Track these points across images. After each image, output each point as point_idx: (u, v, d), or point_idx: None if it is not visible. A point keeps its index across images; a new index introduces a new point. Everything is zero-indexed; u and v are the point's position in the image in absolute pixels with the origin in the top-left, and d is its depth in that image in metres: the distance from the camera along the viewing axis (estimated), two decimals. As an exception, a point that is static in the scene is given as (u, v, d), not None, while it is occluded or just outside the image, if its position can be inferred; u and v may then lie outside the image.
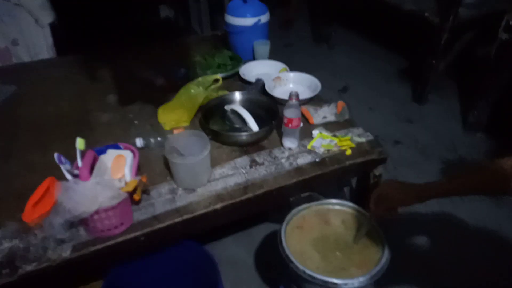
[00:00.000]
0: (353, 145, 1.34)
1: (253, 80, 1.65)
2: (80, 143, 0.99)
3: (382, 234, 1.09)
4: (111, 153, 1.10)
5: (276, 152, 1.33)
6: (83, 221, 0.98)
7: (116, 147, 1.14)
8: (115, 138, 1.29)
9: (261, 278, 1.63)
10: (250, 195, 1.17)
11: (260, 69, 1.73)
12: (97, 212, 0.94)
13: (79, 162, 0.99)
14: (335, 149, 1.33)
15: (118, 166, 1.06)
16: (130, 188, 0.97)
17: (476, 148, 2.32)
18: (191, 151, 1.10)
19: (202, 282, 1.18)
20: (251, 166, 1.27)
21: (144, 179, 1.01)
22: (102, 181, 0.97)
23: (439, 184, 0.96)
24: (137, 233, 1.04)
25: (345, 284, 0.94)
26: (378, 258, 1.02)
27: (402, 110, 2.68)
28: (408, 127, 2.51)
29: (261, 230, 1.83)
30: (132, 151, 1.12)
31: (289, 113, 1.24)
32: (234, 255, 1.73)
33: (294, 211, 1.20)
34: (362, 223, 1.12)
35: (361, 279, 0.95)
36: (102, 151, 1.12)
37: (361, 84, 2.95)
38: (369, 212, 1.09)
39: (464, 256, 1.69)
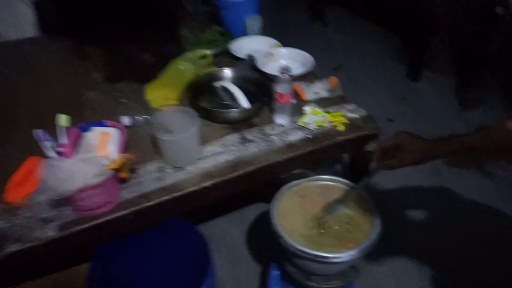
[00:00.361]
0: (346, 121, 1.32)
1: (244, 56, 1.60)
2: (62, 120, 0.95)
3: (375, 207, 1.08)
4: (96, 131, 1.07)
5: (267, 129, 1.31)
6: (68, 200, 0.96)
7: (102, 124, 1.11)
8: (102, 116, 1.24)
9: (253, 256, 1.64)
10: (240, 172, 1.14)
11: (252, 45, 1.68)
12: (82, 190, 0.92)
13: (62, 139, 0.96)
14: (327, 125, 1.30)
15: (104, 144, 1.03)
16: (116, 165, 0.94)
17: (470, 125, 2.31)
18: (179, 127, 1.07)
19: (194, 260, 1.17)
20: (241, 144, 1.24)
21: (131, 156, 0.99)
22: (87, 158, 0.95)
23: (456, 138, 0.85)
24: (125, 212, 1.02)
25: (335, 258, 0.94)
26: (369, 232, 1.01)
27: (396, 88, 2.65)
28: (401, 105, 2.50)
29: (254, 210, 1.84)
30: (118, 128, 1.09)
31: (281, 88, 1.21)
32: (226, 234, 1.74)
33: (285, 187, 1.19)
34: (350, 194, 1.10)
35: (351, 252, 0.94)
36: (87, 129, 1.09)
37: (356, 63, 2.91)
38: (376, 164, 0.99)
39: (457, 230, 1.71)
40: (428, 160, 0.87)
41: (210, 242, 1.66)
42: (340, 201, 1.06)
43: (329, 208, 1.09)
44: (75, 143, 1.00)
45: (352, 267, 1.10)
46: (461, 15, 2.51)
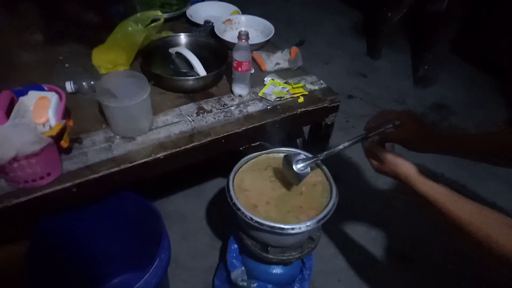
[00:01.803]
0: (306, 93, 1.29)
1: (201, 22, 1.51)
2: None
3: (331, 179, 1.07)
4: (33, 95, 0.96)
5: (226, 99, 1.25)
6: (2, 171, 0.86)
7: (40, 88, 1.00)
8: (41, 81, 1.12)
9: (212, 230, 1.61)
10: (196, 143, 1.09)
11: (210, 11, 1.59)
12: (16, 159, 0.82)
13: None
14: (287, 96, 1.27)
15: (42, 109, 0.93)
16: (54, 132, 0.85)
17: (424, 100, 2.39)
18: (127, 94, 0.98)
19: (146, 235, 1.11)
20: (198, 114, 1.18)
21: (70, 123, 0.89)
22: (21, 124, 0.84)
23: (461, 136, 0.87)
24: (68, 184, 0.93)
25: (292, 229, 0.92)
26: (326, 202, 1.00)
27: (356, 64, 2.67)
28: (361, 81, 2.52)
29: (213, 185, 1.79)
30: (58, 93, 0.98)
31: (239, 56, 1.15)
32: (184, 209, 1.69)
33: (244, 160, 1.14)
34: (307, 165, 1.08)
35: (308, 223, 0.93)
36: (23, 93, 0.97)
37: (317, 38, 2.89)
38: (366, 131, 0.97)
39: (408, 202, 1.77)
40: (427, 145, 0.90)
41: (167, 218, 1.61)
42: (297, 171, 1.04)
43: (286, 178, 1.06)
44: (7, 108, 0.89)
45: (309, 238, 1.09)
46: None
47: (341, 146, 0.98)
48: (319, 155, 1.02)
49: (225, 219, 1.55)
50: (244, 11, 1.65)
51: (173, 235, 1.55)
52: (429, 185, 0.79)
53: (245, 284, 1.14)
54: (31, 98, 0.95)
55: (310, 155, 1.07)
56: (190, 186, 1.78)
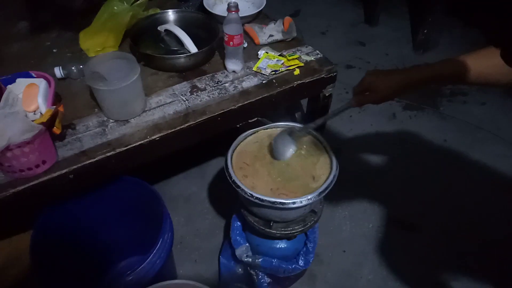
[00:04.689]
0: (302, 64, 1.26)
1: (190, -3, 1.46)
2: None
3: (331, 151, 1.05)
4: (21, 83, 0.94)
5: (219, 76, 1.22)
6: (-5, 162, 0.85)
7: (28, 75, 0.97)
8: (30, 68, 1.10)
9: (215, 210, 1.61)
10: (191, 123, 1.07)
11: (198, -15, 1.53)
12: (9, 148, 0.81)
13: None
14: (282, 69, 1.23)
15: (31, 96, 0.91)
16: (44, 119, 0.83)
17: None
18: (117, 76, 0.96)
19: (148, 217, 1.11)
20: (191, 93, 1.15)
21: (61, 109, 0.87)
22: (11, 113, 0.82)
23: (430, 66, 0.86)
24: (64, 171, 0.92)
25: (293, 203, 0.91)
26: (327, 174, 0.99)
27: (354, 33, 2.60)
28: (359, 50, 2.46)
29: (214, 165, 1.78)
30: (46, 79, 0.96)
31: (229, 29, 1.11)
32: (186, 190, 1.69)
33: (241, 136, 1.13)
34: (304, 136, 1.07)
35: (309, 196, 0.92)
36: (11, 81, 0.95)
37: (313, 7, 2.81)
38: (353, 103, 0.97)
39: (412, 172, 1.76)
40: (398, 94, 0.89)
41: (171, 200, 1.61)
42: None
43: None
44: (-4, 98, 0.87)
45: (311, 211, 1.09)
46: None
47: (330, 114, 0.97)
48: (308, 124, 1.01)
49: (227, 198, 1.55)
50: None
51: (178, 217, 1.57)
52: (426, 69, 0.85)
53: (250, 260, 1.14)
54: (20, 86, 0.93)
55: (306, 126, 1.05)
56: (191, 167, 1.78)
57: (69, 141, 0.98)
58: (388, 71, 0.91)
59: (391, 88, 0.88)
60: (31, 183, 0.89)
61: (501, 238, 1.50)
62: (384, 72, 0.91)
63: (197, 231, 1.54)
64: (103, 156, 0.96)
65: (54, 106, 0.87)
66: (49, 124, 0.86)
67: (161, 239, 1.00)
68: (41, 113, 0.89)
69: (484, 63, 0.79)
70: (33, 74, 0.98)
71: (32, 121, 0.84)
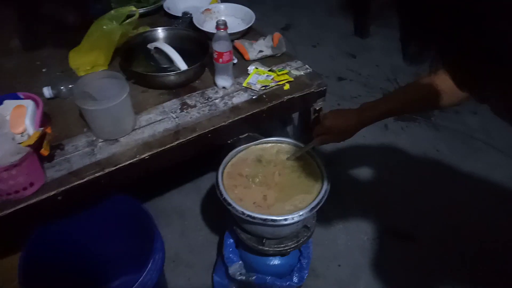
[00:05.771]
0: (291, 79, 1.26)
1: (179, 14, 1.47)
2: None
3: (322, 165, 1.05)
4: (8, 104, 0.94)
5: (210, 92, 1.22)
6: (-17, 186, 0.84)
7: (15, 96, 0.97)
8: (20, 88, 1.10)
9: (208, 226, 1.60)
10: (182, 140, 1.06)
11: (188, 1, 1.55)
12: (-5, 172, 0.80)
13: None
14: (272, 84, 1.24)
15: (18, 118, 0.90)
16: (31, 141, 0.83)
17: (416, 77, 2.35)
18: (106, 95, 0.96)
19: (140, 235, 1.10)
20: (181, 110, 1.15)
21: (48, 130, 0.87)
22: (-3, 136, 0.82)
23: (378, 103, 0.95)
24: (52, 192, 0.91)
25: (285, 220, 0.90)
26: (318, 189, 0.99)
27: (345, 45, 2.63)
28: (351, 62, 2.48)
29: (208, 179, 1.78)
30: (34, 100, 0.96)
31: (219, 46, 1.12)
32: (180, 205, 1.68)
33: (232, 153, 1.13)
34: (297, 153, 1.09)
35: (301, 212, 0.91)
36: (-2, 103, 0.95)
37: (304, 20, 2.84)
38: (316, 143, 1.07)
39: (406, 182, 1.76)
40: (355, 132, 0.99)
41: (165, 215, 1.60)
42: (289, 159, 1.03)
43: (278, 168, 1.05)
44: (-18, 120, 0.87)
45: (304, 227, 1.08)
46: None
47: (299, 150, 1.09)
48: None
49: (221, 213, 1.54)
50: (226, -1, 1.61)
51: (172, 232, 1.56)
52: (376, 108, 0.94)
53: (244, 278, 1.13)
54: (7, 108, 0.93)
55: (298, 143, 1.05)
56: (186, 182, 1.77)
57: (57, 162, 0.97)
58: (344, 113, 1.01)
59: (347, 131, 0.99)
60: (19, 206, 0.88)
61: (496, 247, 1.50)
62: (340, 114, 1.01)
63: (191, 247, 1.52)
64: (92, 176, 0.95)
65: (42, 128, 0.86)
66: (36, 146, 0.86)
67: (152, 260, 0.98)
68: (28, 135, 0.89)
69: (427, 89, 0.86)
70: (21, 95, 0.98)
71: (19, 143, 0.84)
